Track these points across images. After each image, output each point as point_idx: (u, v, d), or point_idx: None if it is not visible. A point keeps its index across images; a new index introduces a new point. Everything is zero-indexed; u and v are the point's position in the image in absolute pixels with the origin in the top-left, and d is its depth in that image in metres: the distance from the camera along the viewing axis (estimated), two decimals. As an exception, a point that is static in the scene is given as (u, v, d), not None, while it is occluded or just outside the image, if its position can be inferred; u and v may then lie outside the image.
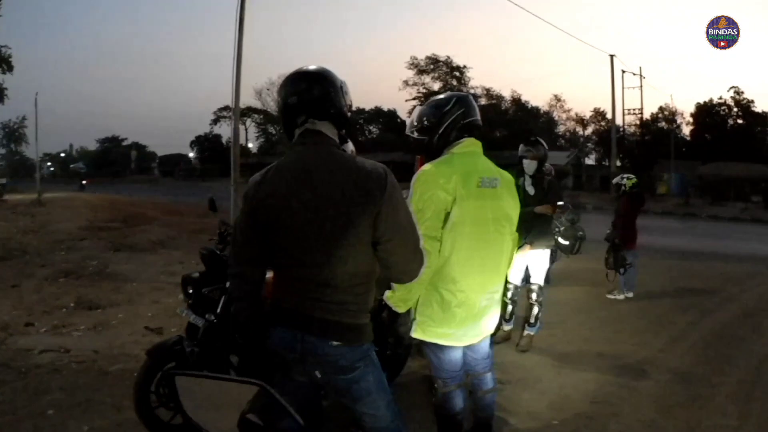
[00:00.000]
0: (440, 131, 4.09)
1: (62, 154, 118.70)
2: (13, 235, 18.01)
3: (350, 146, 4.38)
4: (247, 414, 1.90)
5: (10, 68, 49.56)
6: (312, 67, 3.06)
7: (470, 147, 4.10)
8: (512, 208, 4.15)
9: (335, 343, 2.87)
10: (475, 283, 3.97)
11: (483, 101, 74.90)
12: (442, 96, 4.28)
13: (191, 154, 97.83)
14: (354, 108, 3.26)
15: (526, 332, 7.72)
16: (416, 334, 4.12)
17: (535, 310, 7.60)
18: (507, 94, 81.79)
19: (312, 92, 2.97)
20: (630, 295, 11.20)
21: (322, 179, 2.85)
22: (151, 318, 8.68)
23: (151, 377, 4.80)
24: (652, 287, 12.26)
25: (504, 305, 7.85)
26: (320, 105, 2.96)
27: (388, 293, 3.73)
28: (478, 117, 4.21)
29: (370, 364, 3.01)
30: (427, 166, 3.98)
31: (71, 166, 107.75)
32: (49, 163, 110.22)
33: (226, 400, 1.85)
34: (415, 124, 4.25)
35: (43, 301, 9.68)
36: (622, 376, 6.80)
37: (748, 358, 7.77)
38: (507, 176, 4.20)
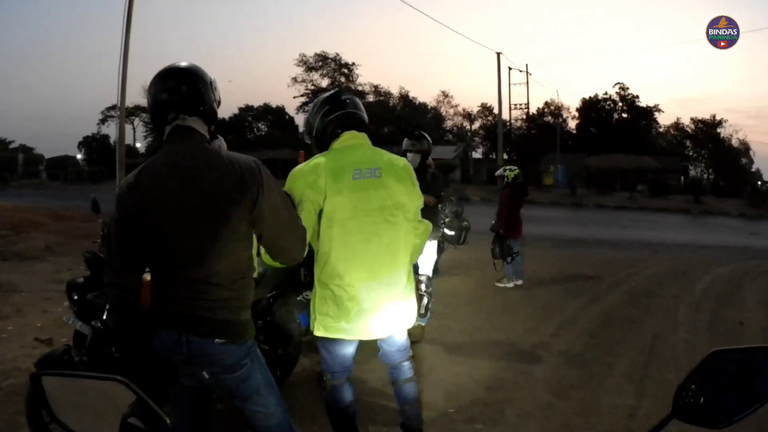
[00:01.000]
0: (314, 134, 4.20)
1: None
2: None
3: (220, 142, 4.34)
4: (128, 418, 1.85)
5: None
6: (182, 63, 3.05)
7: (349, 140, 4.12)
8: (405, 195, 4.12)
9: (220, 341, 2.85)
10: (364, 275, 3.95)
11: (371, 98, 75.36)
12: (318, 97, 4.37)
13: (79, 156, 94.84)
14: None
15: (416, 323, 7.73)
16: (317, 331, 4.12)
17: (425, 300, 7.61)
18: (395, 90, 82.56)
19: (181, 89, 2.94)
20: (519, 282, 11.47)
21: (196, 176, 2.82)
22: (40, 329, 8.36)
23: (42, 391, 4.61)
24: (542, 275, 12.59)
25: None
26: (190, 101, 2.94)
27: None
28: (352, 109, 4.23)
29: (256, 360, 3.00)
30: (301, 165, 4.03)
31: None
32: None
33: (100, 401, 1.79)
34: (305, 134, 4.44)
35: None
36: (516, 362, 6.92)
37: (640, 338, 8.05)
38: (398, 164, 4.20)
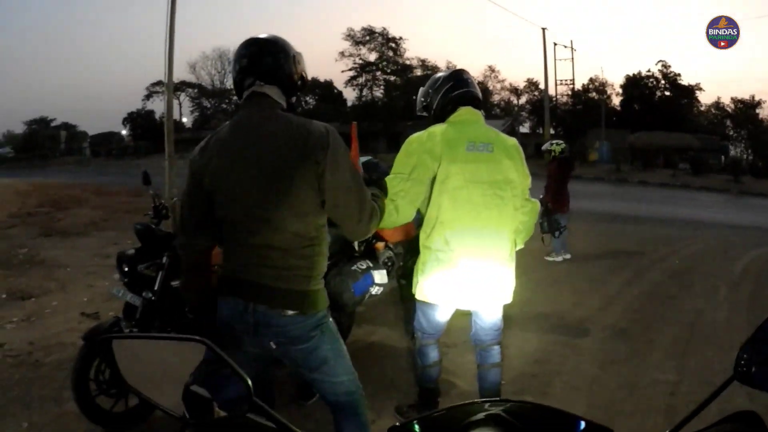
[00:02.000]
0: (434, 107, 4.33)
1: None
2: (-67, 232, 17.25)
3: None
4: (191, 386, 1.85)
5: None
6: (269, 34, 3.09)
7: (464, 116, 4.22)
8: (514, 171, 4.18)
9: (289, 312, 2.84)
10: (469, 245, 4.02)
11: (418, 72, 74.85)
12: (436, 75, 4.53)
13: (124, 132, 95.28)
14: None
15: None
16: (417, 295, 4.29)
17: None
18: (442, 65, 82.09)
19: (261, 56, 2.99)
20: (567, 256, 11.47)
21: (263, 140, 2.83)
22: (86, 303, 8.42)
23: (89, 363, 4.63)
24: (587, 250, 12.53)
25: None
26: (268, 69, 2.97)
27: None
28: (471, 88, 4.38)
29: (327, 331, 2.97)
30: (417, 133, 4.16)
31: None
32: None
33: (173, 370, 1.79)
34: (418, 105, 4.56)
35: None
36: (564, 335, 6.95)
37: (681, 315, 8.00)
38: (508, 143, 4.26)
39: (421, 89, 4.56)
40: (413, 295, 4.42)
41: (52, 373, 5.86)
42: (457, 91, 4.29)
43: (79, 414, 4.65)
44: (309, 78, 3.28)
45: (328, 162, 2.78)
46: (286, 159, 2.78)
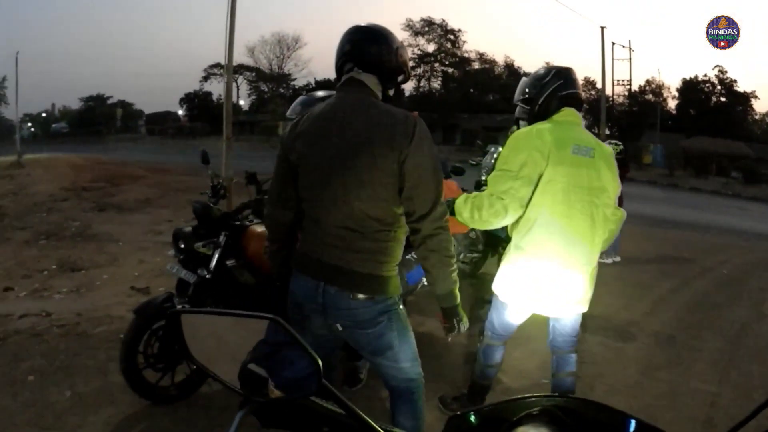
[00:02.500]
0: (540, 102, 4.25)
1: (43, 114, 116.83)
2: (-10, 199, 17.49)
3: None
4: (248, 364, 1.89)
5: (-12, 28, 48.90)
6: (375, 24, 3.16)
7: (568, 117, 4.18)
8: (609, 180, 4.12)
9: (360, 295, 2.88)
10: (563, 249, 3.98)
11: (476, 65, 74.73)
12: (543, 69, 4.45)
13: (180, 112, 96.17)
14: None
15: None
16: (498, 292, 4.28)
17: None
18: (500, 59, 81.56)
19: (363, 44, 3.05)
20: (617, 259, 11.36)
21: (349, 123, 2.89)
22: (136, 278, 8.55)
23: (139, 337, 4.69)
24: (637, 254, 12.40)
25: (498, 264, 7.90)
26: (367, 58, 3.03)
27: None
28: (578, 90, 4.37)
29: (395, 318, 3.00)
30: (524, 128, 4.12)
31: (53, 126, 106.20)
32: (29, 124, 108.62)
33: (233, 347, 1.84)
34: (519, 95, 4.46)
35: (22, 265, 9.41)
36: (609, 338, 6.92)
37: (727, 326, 7.92)
38: (606, 150, 4.20)
39: (525, 80, 4.51)
40: (483, 295, 4.42)
41: (99, 344, 5.96)
42: (566, 90, 4.26)
43: (124, 386, 4.74)
44: (410, 74, 3.31)
45: (411, 151, 2.81)
46: (369, 145, 2.82)
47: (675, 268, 11.48)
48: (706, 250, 13.88)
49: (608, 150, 4.21)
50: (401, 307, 3.07)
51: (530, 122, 4.27)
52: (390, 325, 2.96)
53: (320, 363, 1.59)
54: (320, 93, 4.96)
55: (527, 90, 4.37)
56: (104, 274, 8.87)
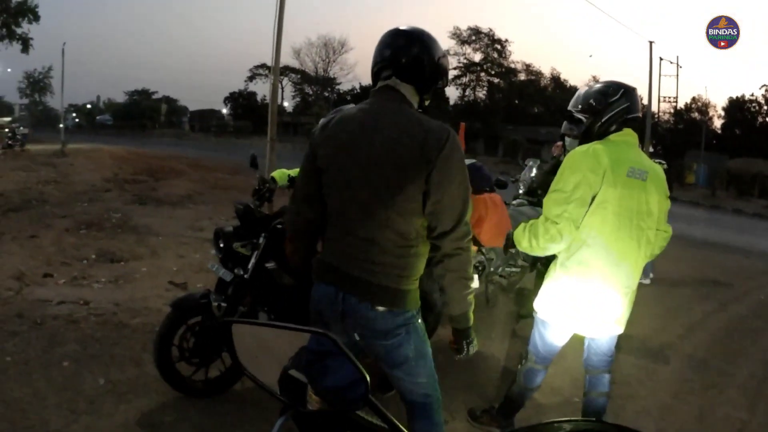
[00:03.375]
0: (603, 119, 4.15)
1: (88, 106, 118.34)
2: (33, 185, 17.71)
3: None
4: (289, 370, 1.93)
5: (36, 18, 49.79)
6: (418, 28, 3.04)
7: (627, 137, 4.12)
8: (657, 203, 4.09)
9: (379, 307, 2.85)
10: (608, 271, 3.97)
11: (522, 77, 74.49)
12: (610, 83, 4.29)
13: (224, 110, 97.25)
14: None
15: None
16: (541, 312, 4.27)
17: None
18: (546, 71, 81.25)
19: (405, 52, 2.94)
20: (647, 281, 11.17)
21: (380, 132, 2.81)
22: (175, 272, 8.61)
23: (175, 330, 4.80)
24: (674, 275, 12.30)
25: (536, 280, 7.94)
26: (407, 67, 2.94)
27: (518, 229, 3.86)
28: (640, 113, 4.31)
29: (413, 331, 2.97)
30: (581, 147, 4.05)
31: (97, 118, 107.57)
32: (74, 114, 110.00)
33: (275, 353, 1.89)
34: (580, 104, 4.32)
35: (62, 252, 9.53)
36: (642, 359, 6.86)
37: (761, 353, 7.82)
38: (659, 172, 4.15)
39: (587, 90, 4.36)
40: (521, 310, 4.42)
41: (135, 335, 6.07)
42: (631, 114, 4.17)
43: (157, 377, 4.84)
44: (449, 81, 3.26)
45: (439, 163, 2.74)
46: (399, 156, 2.76)
47: (712, 291, 11.35)
48: (744, 274, 13.68)
49: (661, 173, 4.15)
50: (419, 321, 3.05)
51: (583, 138, 4.25)
52: (408, 338, 2.94)
53: (368, 379, 1.62)
54: None
55: (592, 102, 4.23)
56: (143, 266, 8.95)
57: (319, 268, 3.05)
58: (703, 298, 10.59)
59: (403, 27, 3.03)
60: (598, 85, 4.35)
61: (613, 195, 3.84)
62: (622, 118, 4.13)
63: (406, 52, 2.94)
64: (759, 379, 6.79)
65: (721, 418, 5.69)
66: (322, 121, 3.09)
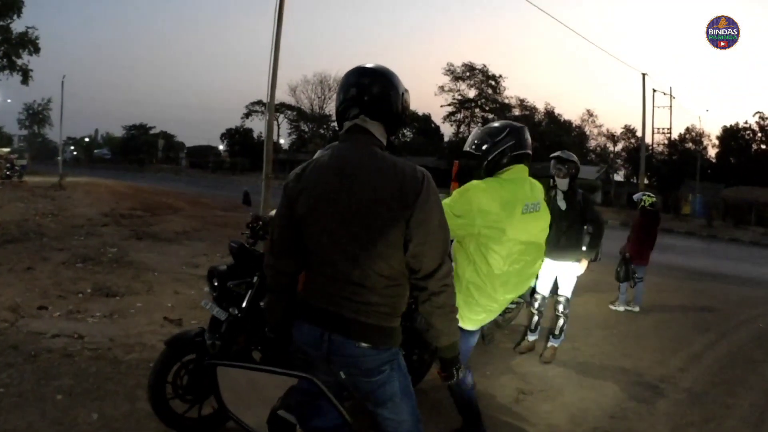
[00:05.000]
0: (490, 158, 4.50)
1: (86, 139, 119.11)
2: (31, 217, 17.92)
3: None
4: (278, 410, 1.91)
5: (37, 50, 50.22)
6: (379, 66, 3.04)
7: (517, 174, 4.46)
8: (548, 220, 4.54)
9: (363, 344, 2.85)
10: (509, 297, 4.44)
11: (516, 112, 74.76)
12: (497, 124, 4.68)
13: (221, 147, 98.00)
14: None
15: (550, 344, 7.80)
16: (464, 324, 4.35)
17: (561, 322, 7.64)
18: (540, 106, 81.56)
19: (372, 89, 2.94)
20: (636, 309, 11.42)
21: (358, 180, 2.82)
22: (170, 309, 8.61)
23: (169, 367, 4.79)
24: (672, 306, 12.35)
25: (530, 315, 8.07)
26: (375, 104, 2.94)
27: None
28: (529, 149, 4.60)
29: (397, 368, 2.98)
30: (479, 184, 4.34)
31: (95, 151, 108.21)
32: (72, 147, 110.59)
33: (263, 393, 1.87)
34: (471, 146, 4.67)
35: (58, 285, 9.57)
36: (641, 393, 6.82)
37: (761, 382, 7.78)
38: (542, 192, 4.59)
39: (477, 131, 4.73)
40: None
41: (129, 370, 6.06)
42: (518, 151, 4.51)
43: (151, 414, 4.82)
44: (409, 111, 3.25)
45: (418, 206, 2.77)
46: (378, 201, 2.78)
47: (711, 321, 11.30)
48: (743, 303, 13.64)
49: (542, 191, 4.67)
50: (401, 358, 3.06)
51: (476, 172, 4.57)
52: (393, 375, 2.95)
53: (350, 421, 1.61)
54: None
55: (478, 143, 4.59)
56: (138, 302, 8.94)
57: (302, 309, 3.03)
58: (701, 328, 10.56)
59: (365, 65, 3.04)
60: (487, 126, 4.73)
61: (509, 234, 4.25)
62: (508, 155, 4.47)
63: (373, 89, 2.95)
64: (760, 409, 6.74)
65: (721, 449, 5.60)
66: (295, 170, 3.06)
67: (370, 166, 2.84)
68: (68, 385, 5.61)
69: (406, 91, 3.07)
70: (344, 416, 1.61)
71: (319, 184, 2.91)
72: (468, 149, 4.66)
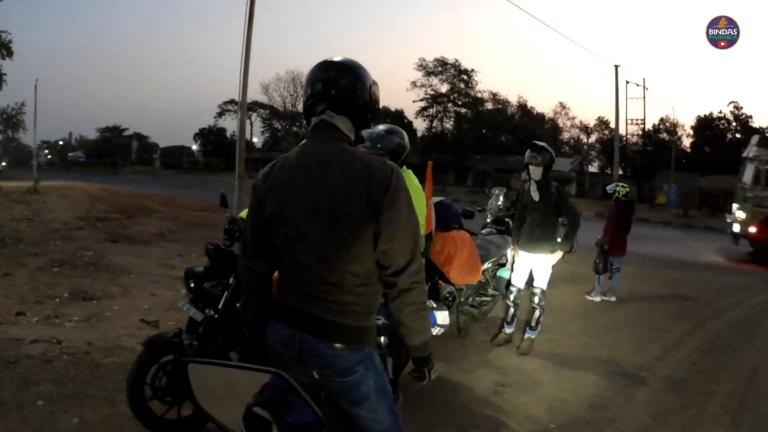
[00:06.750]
0: (405, 155, 5.09)
1: (61, 143, 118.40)
2: (7, 223, 17.63)
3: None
4: (253, 407, 1.89)
5: (10, 54, 49.35)
6: (345, 59, 3.01)
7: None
8: None
9: (337, 345, 2.82)
10: None
11: (489, 106, 74.86)
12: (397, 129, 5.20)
13: (194, 147, 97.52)
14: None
15: (526, 336, 7.80)
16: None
17: (537, 313, 7.64)
18: (513, 99, 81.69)
19: (338, 84, 2.91)
20: (612, 299, 11.52)
21: (325, 175, 2.79)
22: (147, 311, 8.56)
23: (147, 369, 4.77)
24: (650, 296, 12.44)
25: (506, 308, 8.06)
26: (342, 99, 2.90)
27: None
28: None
29: (371, 367, 2.94)
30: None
31: (69, 154, 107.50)
32: (46, 151, 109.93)
33: (238, 391, 1.85)
34: (395, 144, 5.14)
35: (35, 291, 9.48)
36: (620, 382, 6.86)
37: (741, 368, 7.85)
38: None
39: (398, 135, 5.18)
40: None
41: (108, 374, 6.01)
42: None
43: (131, 417, 4.80)
44: (380, 108, 3.21)
45: (386, 202, 2.74)
46: (347, 199, 2.74)
47: (688, 309, 11.41)
48: (720, 291, 13.75)
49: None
50: (377, 357, 3.02)
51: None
52: (367, 375, 2.91)
53: (321, 415, 1.59)
54: (381, 127, 5.22)
55: (402, 145, 5.15)
56: (115, 305, 8.89)
57: (275, 309, 3.01)
58: (680, 317, 10.66)
59: (331, 58, 3.01)
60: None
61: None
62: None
63: (339, 83, 2.92)
64: (741, 395, 6.80)
65: (703, 435, 5.65)
66: (263, 170, 3.02)
67: (337, 163, 2.81)
68: (48, 390, 5.57)
69: (374, 83, 3.03)
70: (316, 412, 1.59)
71: (286, 182, 2.88)
72: (391, 148, 5.06)
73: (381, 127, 5.17)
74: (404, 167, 5.00)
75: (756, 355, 8.62)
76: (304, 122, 3.06)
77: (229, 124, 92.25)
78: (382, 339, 3.83)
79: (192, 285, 5.00)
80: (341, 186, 2.76)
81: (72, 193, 30.56)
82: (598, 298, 11.48)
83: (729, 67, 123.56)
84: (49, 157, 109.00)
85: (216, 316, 4.82)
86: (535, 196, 7.60)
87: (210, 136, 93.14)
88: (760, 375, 7.65)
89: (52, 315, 8.20)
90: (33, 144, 54.65)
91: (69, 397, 5.46)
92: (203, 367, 2.01)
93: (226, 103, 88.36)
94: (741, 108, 70.51)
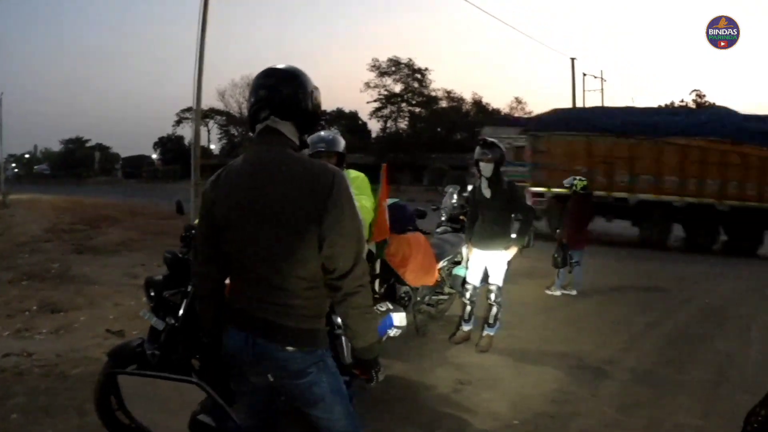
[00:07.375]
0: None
1: (26, 156, 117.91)
2: (-23, 238, 17.65)
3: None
4: (198, 415, 1.89)
5: (-29, 69, 49.08)
6: (287, 66, 3.05)
7: None
8: None
9: (289, 348, 2.85)
10: None
11: (444, 104, 74.67)
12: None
13: (154, 156, 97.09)
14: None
15: (485, 333, 7.78)
16: None
17: (494, 310, 7.63)
18: (468, 96, 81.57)
19: (280, 90, 2.95)
20: (573, 293, 11.57)
21: (269, 180, 2.83)
22: (113, 320, 8.60)
23: (112, 379, 4.76)
24: (612, 287, 12.56)
25: (463, 306, 8.06)
26: (285, 104, 2.93)
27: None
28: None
29: (324, 369, 2.97)
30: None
31: (35, 167, 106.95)
32: (13, 165, 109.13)
33: (172, 400, 1.85)
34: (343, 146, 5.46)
35: (5, 305, 9.55)
36: (583, 376, 6.86)
37: (711, 357, 7.89)
38: None
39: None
40: None
41: (77, 385, 6.05)
42: None
43: (100, 426, 4.81)
44: (325, 112, 3.23)
45: (329, 206, 2.78)
46: (292, 204, 2.79)
47: (655, 300, 11.51)
48: (687, 280, 13.84)
49: None
50: (330, 359, 3.05)
51: None
52: (320, 376, 2.94)
53: (236, 418, 1.61)
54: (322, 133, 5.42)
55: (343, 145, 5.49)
56: (82, 316, 8.94)
57: (229, 314, 3.04)
58: (644, 308, 10.73)
59: (274, 66, 3.05)
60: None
61: None
62: None
63: (281, 89, 2.96)
64: (711, 383, 6.84)
65: (674, 427, 5.68)
66: (211, 177, 3.07)
67: (281, 168, 2.85)
68: (22, 403, 5.63)
69: (316, 88, 3.06)
70: (231, 416, 1.61)
71: (233, 189, 2.92)
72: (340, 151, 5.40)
73: (330, 131, 5.29)
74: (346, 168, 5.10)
75: (725, 343, 8.66)
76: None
77: (187, 132, 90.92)
78: (339, 320, 3.83)
79: (152, 294, 5.03)
80: (285, 191, 2.80)
81: (39, 206, 30.57)
82: (558, 292, 11.54)
83: (689, 58, 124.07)
84: (16, 170, 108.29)
85: (176, 324, 4.83)
86: (487, 193, 7.60)
87: (169, 144, 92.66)
88: (730, 364, 7.68)
89: (23, 328, 8.28)
90: (0, 158, 54.15)
91: (41, 409, 5.52)
92: (134, 379, 2.01)
93: (183, 111, 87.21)
94: (704, 96, 70.92)
